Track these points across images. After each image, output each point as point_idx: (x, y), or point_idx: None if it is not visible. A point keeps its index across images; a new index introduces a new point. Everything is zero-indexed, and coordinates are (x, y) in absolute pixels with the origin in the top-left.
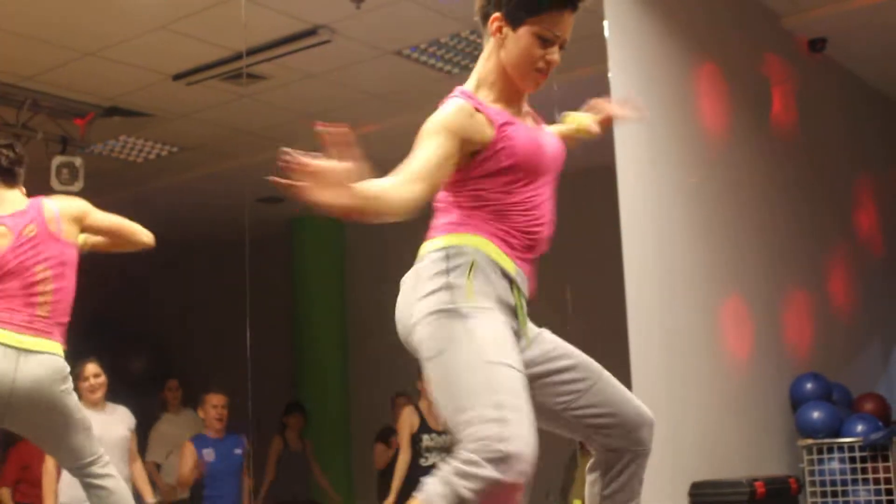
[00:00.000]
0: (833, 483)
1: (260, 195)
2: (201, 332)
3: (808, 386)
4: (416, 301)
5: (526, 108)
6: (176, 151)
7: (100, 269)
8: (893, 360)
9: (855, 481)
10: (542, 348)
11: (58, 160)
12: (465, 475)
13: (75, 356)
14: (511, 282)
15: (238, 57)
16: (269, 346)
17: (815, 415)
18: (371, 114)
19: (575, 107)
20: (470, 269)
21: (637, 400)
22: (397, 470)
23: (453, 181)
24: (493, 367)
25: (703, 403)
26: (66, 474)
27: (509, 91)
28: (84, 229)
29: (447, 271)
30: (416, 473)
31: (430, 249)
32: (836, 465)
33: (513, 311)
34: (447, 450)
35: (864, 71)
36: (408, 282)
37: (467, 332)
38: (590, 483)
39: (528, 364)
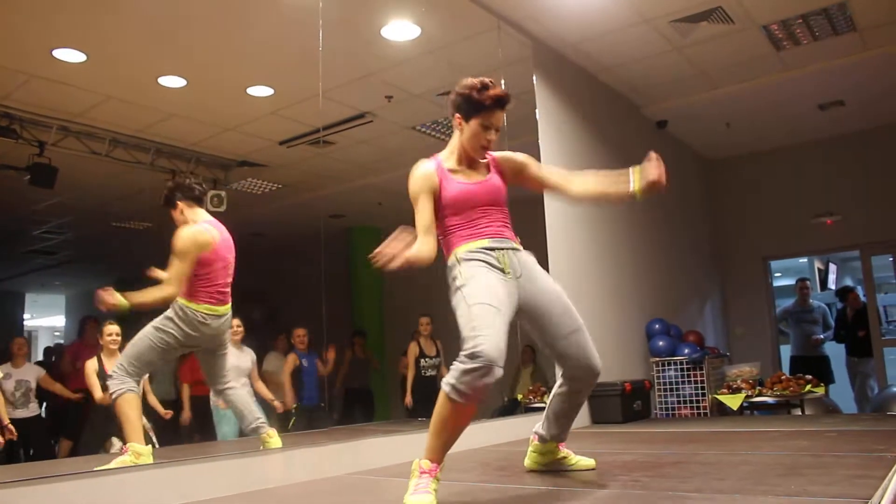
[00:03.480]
0: (670, 383)
1: (329, 213)
2: (294, 299)
3: (657, 326)
4: (450, 290)
5: (482, 163)
6: (280, 188)
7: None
8: (706, 311)
9: (683, 383)
10: (542, 296)
11: (211, 193)
12: (455, 370)
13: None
14: (489, 249)
15: (317, 131)
16: (336, 308)
17: (660, 343)
18: (395, 166)
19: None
20: (459, 265)
21: (594, 358)
22: (408, 380)
23: (437, 219)
24: (472, 307)
25: (597, 337)
26: None
27: (466, 157)
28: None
29: (452, 270)
30: (420, 381)
31: (448, 263)
32: (672, 373)
33: (499, 266)
34: (437, 366)
35: (691, 140)
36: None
37: (462, 294)
38: (556, 385)
39: (526, 299)
